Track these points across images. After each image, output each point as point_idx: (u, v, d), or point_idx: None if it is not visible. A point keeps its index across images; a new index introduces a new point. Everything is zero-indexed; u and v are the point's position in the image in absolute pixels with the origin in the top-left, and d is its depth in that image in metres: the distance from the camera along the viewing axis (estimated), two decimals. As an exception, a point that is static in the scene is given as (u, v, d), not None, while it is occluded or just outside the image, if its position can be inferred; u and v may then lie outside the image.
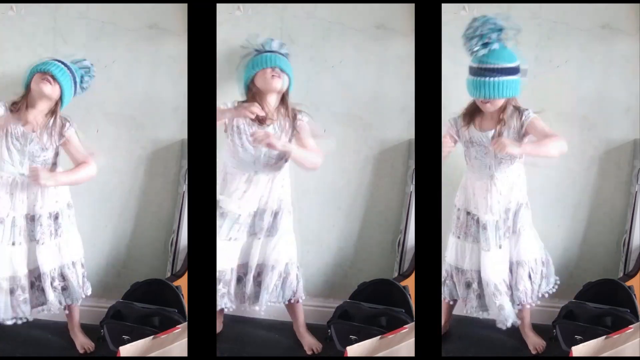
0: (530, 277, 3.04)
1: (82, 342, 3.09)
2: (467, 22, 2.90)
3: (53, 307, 2.99)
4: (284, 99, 2.99)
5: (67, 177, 2.92)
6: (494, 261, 2.98)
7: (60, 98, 2.91)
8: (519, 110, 2.91)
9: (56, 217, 2.98)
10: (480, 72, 2.79)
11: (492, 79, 2.79)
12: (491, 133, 2.91)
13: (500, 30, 2.79)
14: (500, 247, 2.98)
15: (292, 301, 3.11)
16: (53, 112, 2.92)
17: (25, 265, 2.97)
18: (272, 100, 2.97)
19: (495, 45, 2.78)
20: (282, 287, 3.07)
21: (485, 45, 2.78)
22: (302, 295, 3.11)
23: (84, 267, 3.06)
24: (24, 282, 2.96)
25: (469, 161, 3.01)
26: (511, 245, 3.02)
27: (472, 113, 2.95)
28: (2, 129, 2.90)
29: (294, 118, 2.99)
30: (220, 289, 3.00)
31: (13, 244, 2.94)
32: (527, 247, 3.02)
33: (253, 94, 2.96)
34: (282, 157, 2.99)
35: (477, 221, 3.00)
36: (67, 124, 2.94)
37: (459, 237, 3.06)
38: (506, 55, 2.81)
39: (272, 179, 3.01)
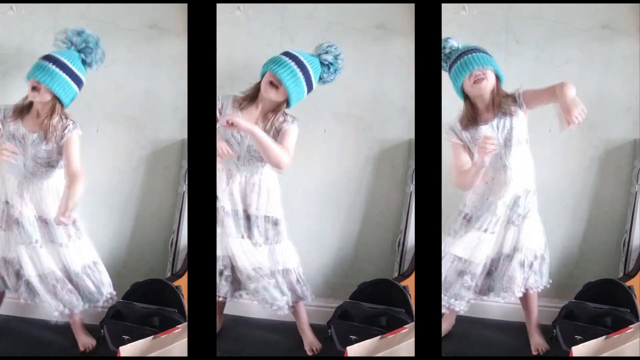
0: (522, 265, 3.01)
1: (84, 341, 3.09)
2: (467, 22, 2.98)
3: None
4: (279, 108, 2.93)
5: (72, 202, 2.77)
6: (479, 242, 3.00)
7: (58, 98, 2.86)
8: (507, 94, 2.93)
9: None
10: (459, 56, 2.90)
11: (472, 54, 2.89)
12: (496, 121, 2.92)
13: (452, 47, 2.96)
14: (492, 232, 2.99)
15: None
16: (52, 111, 2.88)
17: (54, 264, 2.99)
18: (265, 104, 2.94)
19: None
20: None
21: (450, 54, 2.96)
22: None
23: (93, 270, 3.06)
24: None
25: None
26: (514, 232, 3.01)
27: (469, 115, 2.94)
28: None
29: (283, 121, 2.92)
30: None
31: (31, 242, 2.94)
32: (528, 235, 3.01)
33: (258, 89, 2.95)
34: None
35: (470, 219, 3.01)
36: (70, 126, 2.89)
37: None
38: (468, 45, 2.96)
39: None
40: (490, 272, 3.06)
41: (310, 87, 2.93)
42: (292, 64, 2.88)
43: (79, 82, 2.90)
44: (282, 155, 2.85)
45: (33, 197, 2.96)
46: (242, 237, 3.02)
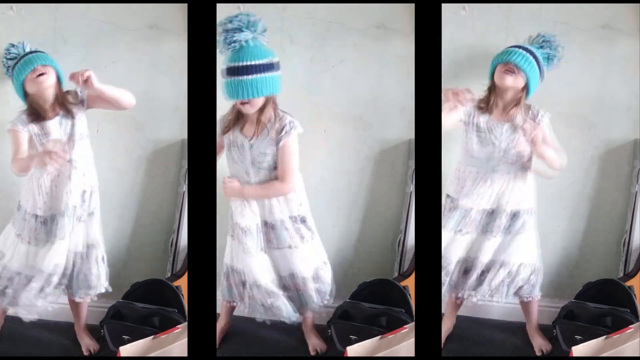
0: (509, 277, 3.02)
1: (88, 344, 3.10)
2: (466, 22, 2.96)
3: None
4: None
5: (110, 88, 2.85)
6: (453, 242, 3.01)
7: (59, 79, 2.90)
8: (531, 109, 2.93)
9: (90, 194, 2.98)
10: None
11: (523, 51, 2.88)
12: (506, 125, 2.92)
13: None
14: (466, 233, 3.00)
15: None
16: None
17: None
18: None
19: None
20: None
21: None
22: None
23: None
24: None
25: (469, 147, 2.98)
26: (502, 245, 3.00)
27: (489, 102, 2.94)
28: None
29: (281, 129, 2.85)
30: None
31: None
32: (520, 249, 3.00)
33: None
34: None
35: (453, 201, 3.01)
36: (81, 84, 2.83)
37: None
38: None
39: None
40: (466, 272, 3.05)
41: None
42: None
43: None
44: (282, 190, 2.88)
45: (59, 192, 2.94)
46: (262, 249, 2.94)
